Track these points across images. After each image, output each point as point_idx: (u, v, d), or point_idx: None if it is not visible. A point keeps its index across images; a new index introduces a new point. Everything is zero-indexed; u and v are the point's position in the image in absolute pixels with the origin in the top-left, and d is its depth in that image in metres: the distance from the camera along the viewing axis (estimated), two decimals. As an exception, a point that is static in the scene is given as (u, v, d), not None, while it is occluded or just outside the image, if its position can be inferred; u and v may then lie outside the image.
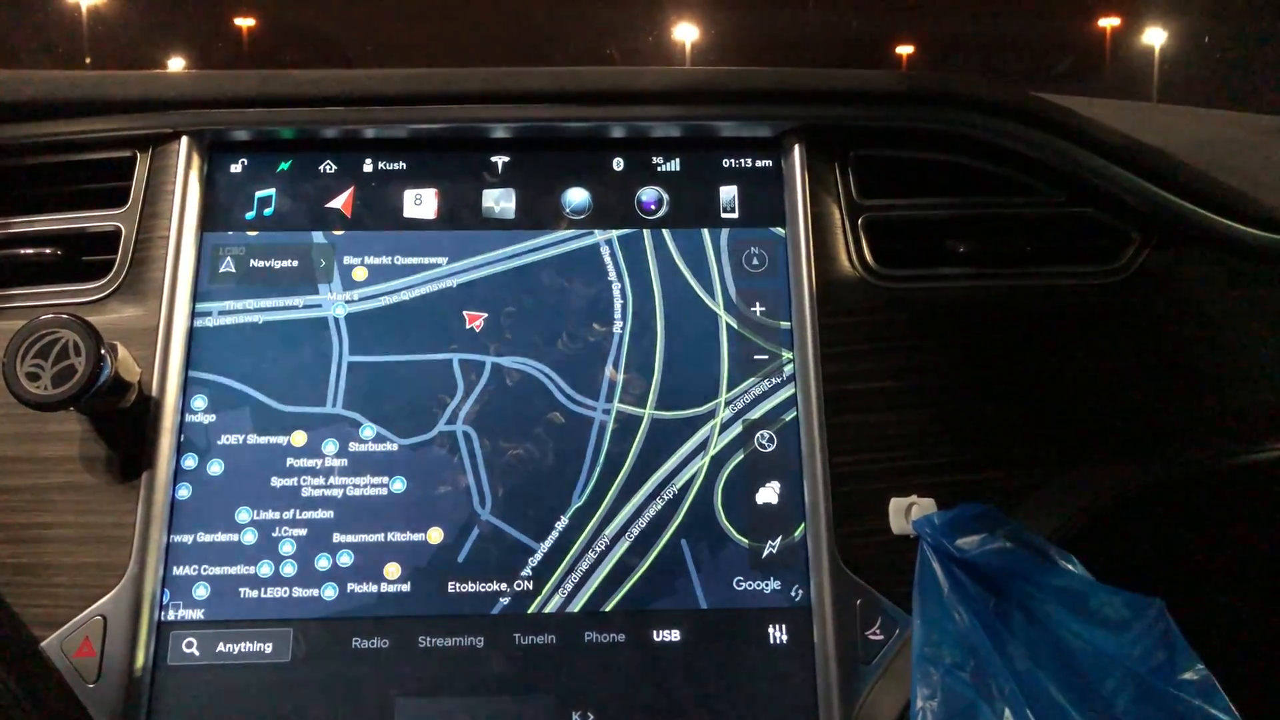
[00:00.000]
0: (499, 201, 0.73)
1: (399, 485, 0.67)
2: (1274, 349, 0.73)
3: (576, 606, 0.65)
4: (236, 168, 0.73)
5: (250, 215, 0.72)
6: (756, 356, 0.71)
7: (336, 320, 0.70)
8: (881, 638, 0.64)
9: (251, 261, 0.71)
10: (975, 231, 0.74)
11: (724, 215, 0.74)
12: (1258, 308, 0.74)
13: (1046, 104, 0.72)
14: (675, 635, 0.65)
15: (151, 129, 0.71)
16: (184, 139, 0.71)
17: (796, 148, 0.73)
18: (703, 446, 0.69)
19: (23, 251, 0.70)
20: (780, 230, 0.73)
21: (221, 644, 0.64)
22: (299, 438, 0.67)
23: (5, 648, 0.59)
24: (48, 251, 0.70)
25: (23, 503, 0.64)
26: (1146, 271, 0.73)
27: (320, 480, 0.67)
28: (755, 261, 0.73)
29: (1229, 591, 0.76)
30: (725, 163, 0.75)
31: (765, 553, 0.67)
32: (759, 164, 0.75)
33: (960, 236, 0.73)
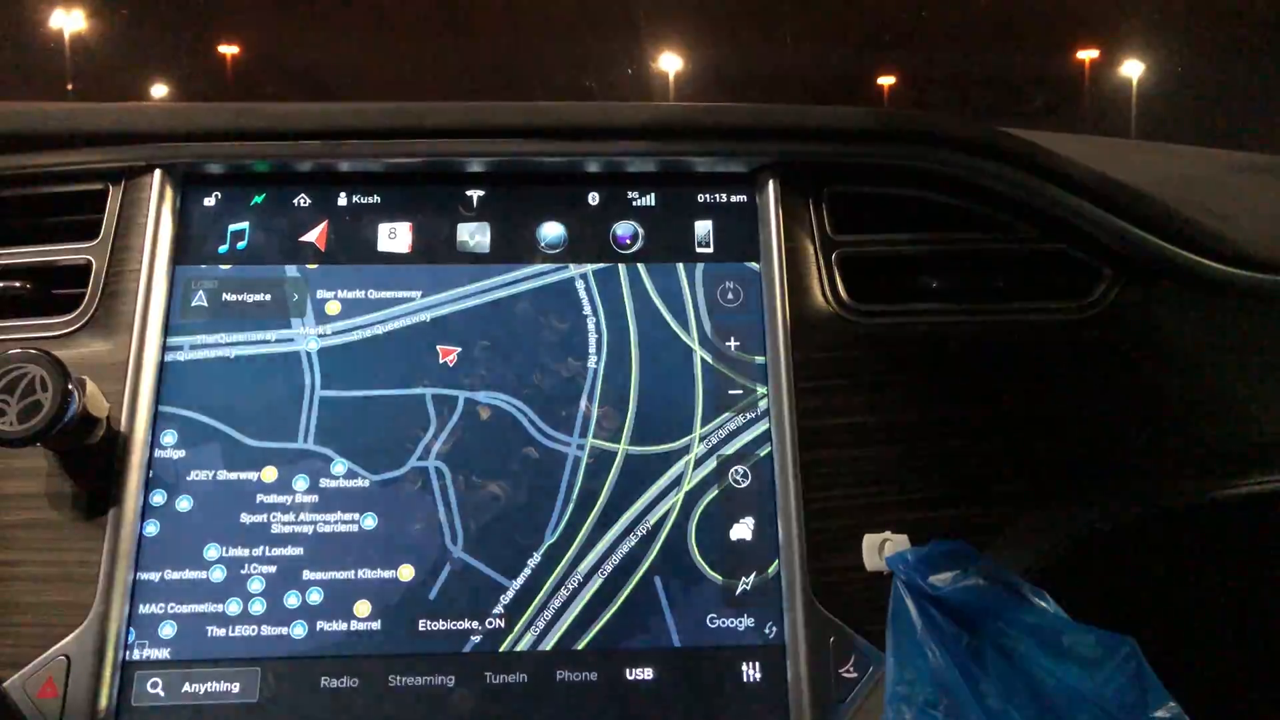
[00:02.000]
0: (474, 235, 0.73)
1: (370, 522, 0.66)
2: (1246, 385, 0.73)
3: (549, 645, 0.65)
4: (210, 200, 0.73)
5: (223, 249, 0.72)
6: (731, 391, 0.71)
7: (309, 355, 0.69)
8: (855, 675, 0.64)
9: (224, 295, 0.70)
10: (948, 267, 0.74)
11: (699, 250, 0.74)
12: (1230, 343, 0.74)
13: (1018, 140, 0.73)
14: (648, 674, 0.65)
15: (124, 162, 0.71)
16: (157, 172, 0.71)
17: (771, 183, 0.74)
18: (677, 482, 0.69)
19: None
20: (755, 265, 0.74)
21: (188, 684, 0.63)
22: (269, 473, 0.67)
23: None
24: (17, 285, 0.69)
25: None
26: (1119, 307, 0.74)
27: (290, 516, 0.66)
28: (730, 296, 0.73)
29: (1202, 626, 0.76)
30: (700, 198, 0.75)
31: (739, 589, 0.67)
32: (734, 199, 0.75)
33: (934, 272, 0.74)
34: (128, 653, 0.63)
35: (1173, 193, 0.76)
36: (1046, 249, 0.75)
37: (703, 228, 0.75)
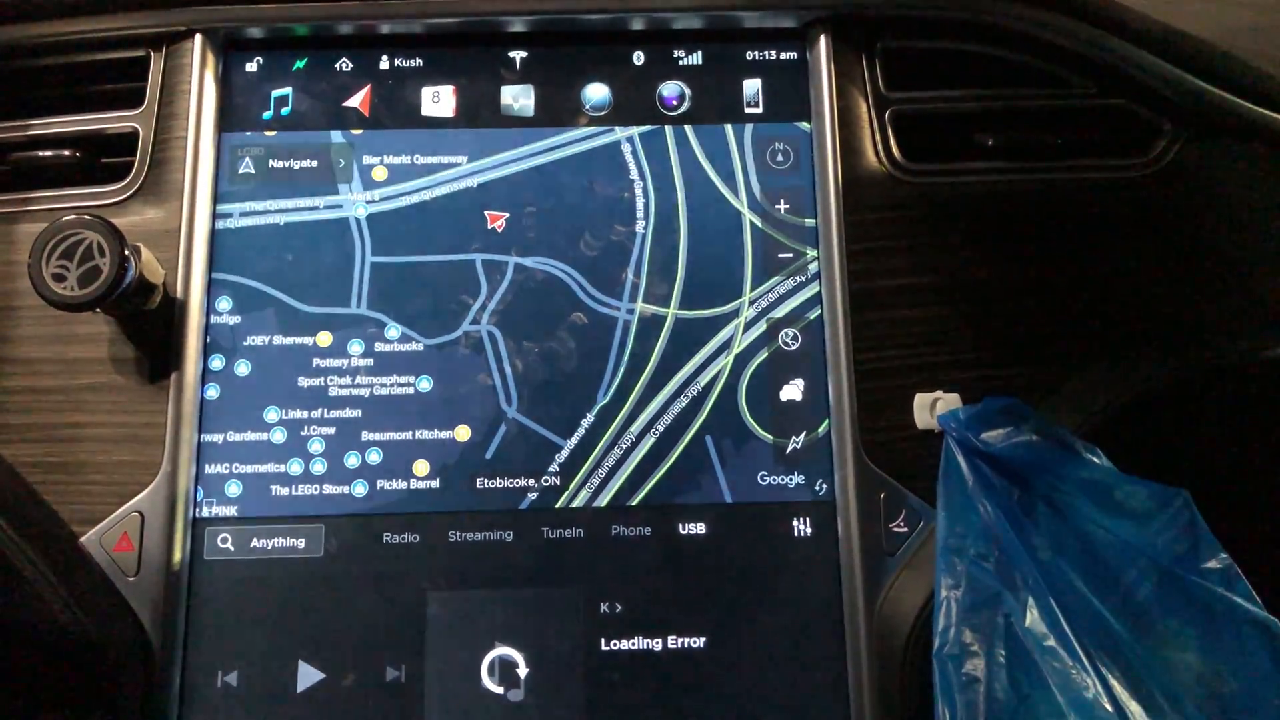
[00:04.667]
0: (518, 99, 0.72)
1: (425, 384, 0.67)
2: (1307, 242, 0.72)
3: (603, 501, 0.66)
4: (251, 66, 0.72)
5: (268, 115, 0.71)
6: (781, 255, 0.70)
7: (358, 220, 0.69)
8: (905, 530, 0.65)
9: (270, 162, 0.70)
10: (1004, 124, 0.72)
11: (748, 110, 0.72)
12: (1293, 200, 0.72)
13: (1079, -10, 0.70)
14: (701, 529, 0.66)
15: (164, 27, 0.70)
16: (198, 37, 0.70)
17: (822, 39, 0.72)
18: (726, 345, 0.69)
19: (41, 154, 0.69)
20: (805, 125, 0.72)
21: (255, 539, 0.65)
22: (324, 338, 0.68)
23: (46, 542, 0.60)
24: (66, 154, 0.69)
25: (54, 403, 0.65)
26: (1179, 164, 0.71)
27: (347, 380, 0.67)
28: (780, 158, 0.72)
29: (1254, 487, 0.76)
30: (749, 55, 0.73)
31: (789, 448, 0.67)
32: (784, 56, 0.73)
33: (989, 130, 0.72)
34: (197, 510, 0.65)
35: (1238, 43, 0.73)
36: (1105, 104, 0.72)
37: (751, 87, 0.73)
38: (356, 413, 0.67)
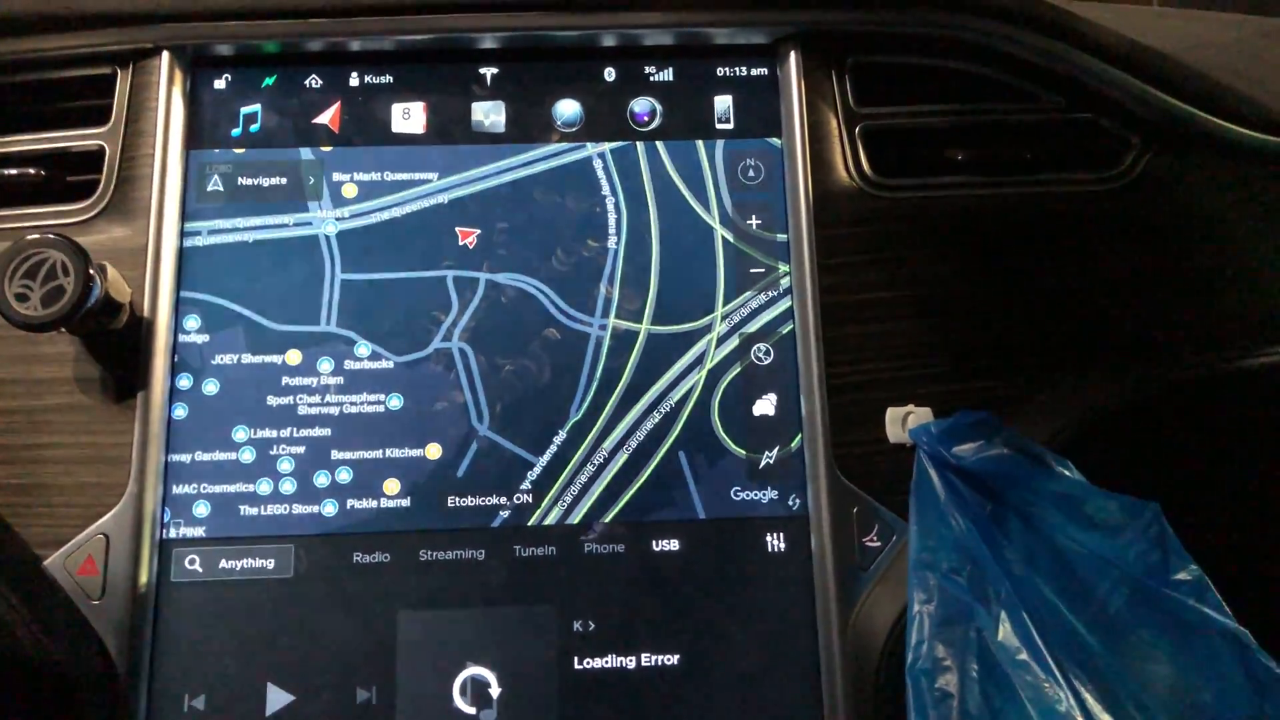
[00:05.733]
0: (489, 115, 0.72)
1: (396, 402, 0.67)
2: (1275, 253, 0.72)
3: (576, 518, 0.66)
4: (220, 83, 0.71)
5: (236, 132, 0.71)
6: (753, 270, 0.70)
7: (328, 238, 0.69)
8: (879, 544, 0.65)
9: (239, 179, 0.70)
10: (974, 139, 0.72)
11: (719, 126, 0.73)
12: (1259, 212, 0.73)
13: (1045, 6, 0.71)
14: (674, 545, 0.66)
15: (131, 44, 0.70)
16: (165, 54, 0.70)
17: (793, 55, 0.72)
18: (699, 360, 0.69)
19: (5, 172, 0.68)
20: (776, 141, 0.72)
21: (224, 560, 0.64)
22: (294, 356, 0.67)
23: (8, 566, 0.59)
24: (31, 172, 0.68)
25: (18, 424, 0.64)
26: (1147, 177, 0.72)
27: (316, 398, 0.67)
28: (751, 173, 0.72)
29: (1223, 499, 0.76)
30: (720, 71, 0.73)
31: (762, 463, 0.67)
32: (754, 72, 0.73)
33: (959, 144, 0.72)
34: (164, 531, 0.64)
35: (1202, 59, 0.74)
36: (1074, 118, 0.73)
37: (722, 103, 0.73)
38: (326, 431, 0.66)
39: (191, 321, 0.67)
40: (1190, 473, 0.76)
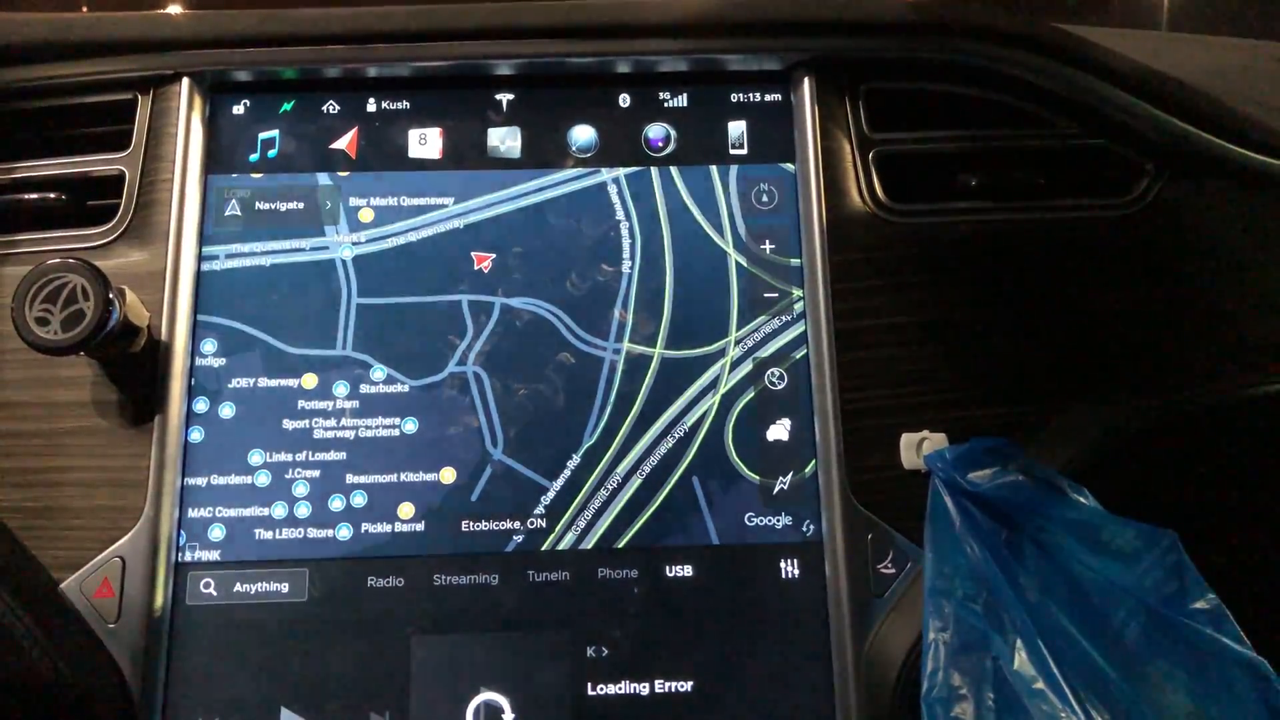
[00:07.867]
0: (504, 140, 0.72)
1: (411, 426, 0.67)
2: (1289, 280, 0.72)
3: (590, 544, 0.66)
4: (239, 109, 0.72)
5: (254, 157, 0.71)
6: (767, 294, 0.70)
7: (344, 262, 0.69)
8: (893, 571, 0.64)
9: (257, 204, 0.70)
10: (987, 165, 0.73)
11: (733, 151, 0.73)
12: (1273, 238, 0.73)
13: (1060, 33, 0.71)
14: (688, 571, 0.66)
15: (151, 70, 0.70)
16: (184, 80, 0.70)
17: (806, 81, 0.72)
18: (713, 385, 0.69)
19: (27, 196, 0.69)
20: (790, 166, 0.72)
21: (239, 584, 0.64)
22: (310, 380, 0.67)
23: (24, 588, 0.59)
24: (52, 196, 0.69)
25: (36, 447, 0.65)
26: (1161, 203, 0.72)
27: (332, 422, 0.67)
28: (765, 198, 0.72)
29: (1240, 524, 0.76)
30: (734, 97, 0.74)
31: (776, 489, 0.67)
32: (768, 98, 0.74)
33: (972, 170, 0.72)
34: (179, 554, 0.64)
35: (1215, 85, 0.74)
36: (1088, 145, 0.73)
37: (736, 128, 0.73)
38: (341, 455, 0.66)
39: (209, 345, 0.68)
40: (1207, 500, 0.76)
